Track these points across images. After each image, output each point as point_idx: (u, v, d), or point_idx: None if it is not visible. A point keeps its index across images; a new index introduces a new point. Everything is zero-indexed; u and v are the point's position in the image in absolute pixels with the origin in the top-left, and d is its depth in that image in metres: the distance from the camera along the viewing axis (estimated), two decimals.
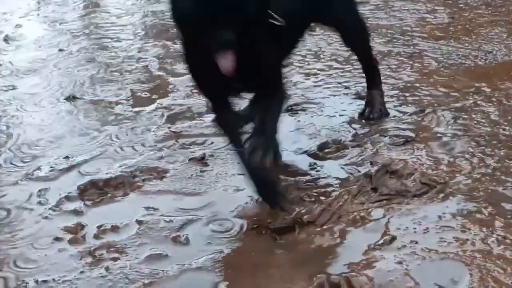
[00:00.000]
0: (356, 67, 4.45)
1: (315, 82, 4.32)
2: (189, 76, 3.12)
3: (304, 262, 2.80)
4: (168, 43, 5.04)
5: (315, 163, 3.45)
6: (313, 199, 3.15)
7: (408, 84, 4.20)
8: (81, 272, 2.79)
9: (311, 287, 2.65)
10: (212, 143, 3.66)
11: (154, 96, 4.24)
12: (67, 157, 3.61)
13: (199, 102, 4.03)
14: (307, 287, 2.65)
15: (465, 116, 3.79)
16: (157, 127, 3.88)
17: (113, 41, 5.22)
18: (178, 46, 4.52)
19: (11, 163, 3.58)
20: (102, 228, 3.03)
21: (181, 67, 4.35)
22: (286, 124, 3.80)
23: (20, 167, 3.54)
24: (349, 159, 3.47)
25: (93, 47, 5.12)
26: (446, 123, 3.73)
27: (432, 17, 5.24)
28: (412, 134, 3.63)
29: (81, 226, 3.05)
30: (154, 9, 5.84)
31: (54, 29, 5.54)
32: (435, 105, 3.93)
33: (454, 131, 3.65)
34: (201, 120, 3.92)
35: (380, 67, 4.40)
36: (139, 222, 3.06)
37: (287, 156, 3.51)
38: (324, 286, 2.64)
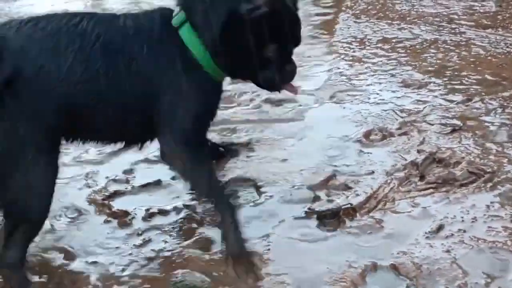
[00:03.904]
0: (401, 55, 4.43)
1: (361, 69, 4.31)
2: None
3: (350, 248, 2.81)
4: None
5: (361, 151, 3.45)
6: (359, 186, 3.15)
7: (455, 73, 4.16)
8: (130, 254, 2.83)
9: (357, 274, 2.66)
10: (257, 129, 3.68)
11: None
12: None
13: (243, 88, 4.05)
14: (353, 273, 2.66)
15: None
16: None
17: None
18: None
19: None
20: (150, 211, 3.06)
21: None
22: (332, 112, 3.82)
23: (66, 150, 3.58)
24: (396, 146, 3.46)
25: None
26: (494, 112, 3.70)
27: (480, 5, 5.18)
28: (460, 123, 3.60)
29: (130, 209, 3.08)
30: None
31: (101, 6, 5.60)
32: (483, 93, 3.90)
33: (502, 120, 3.61)
34: (246, 106, 3.93)
35: (426, 55, 4.39)
36: (186, 206, 3.09)
37: (334, 143, 3.52)
38: (371, 272, 2.65)
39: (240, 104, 3.97)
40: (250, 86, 3.98)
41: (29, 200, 2.55)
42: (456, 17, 5.00)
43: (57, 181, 2.61)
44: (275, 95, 3.98)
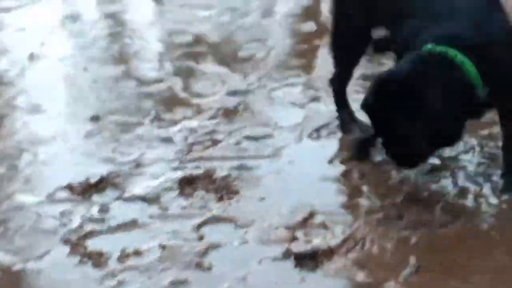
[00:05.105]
0: None
1: None
2: None
3: None
4: (192, 63, 4.99)
5: (340, 189, 3.44)
6: (338, 226, 3.13)
7: None
8: None
9: None
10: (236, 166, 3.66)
11: (178, 118, 4.21)
12: (87, 178, 3.58)
13: (223, 124, 4.04)
14: None
15: (492, 144, 3.74)
16: (181, 149, 3.86)
17: (138, 61, 5.21)
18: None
19: (33, 184, 3.58)
20: (125, 251, 3.02)
21: (205, 88, 4.37)
22: (311, 149, 3.81)
23: (40, 188, 3.54)
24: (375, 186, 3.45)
25: (117, 66, 5.11)
26: (473, 151, 3.70)
27: None
28: (438, 162, 3.59)
29: (105, 249, 3.04)
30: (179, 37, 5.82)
31: (79, 47, 5.54)
32: None
33: (480, 160, 3.61)
34: (224, 142, 3.90)
35: None
36: (162, 247, 3.05)
37: (312, 181, 3.50)
38: None
39: (221, 140, 3.93)
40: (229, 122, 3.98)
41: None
42: None
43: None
44: (255, 133, 3.99)
